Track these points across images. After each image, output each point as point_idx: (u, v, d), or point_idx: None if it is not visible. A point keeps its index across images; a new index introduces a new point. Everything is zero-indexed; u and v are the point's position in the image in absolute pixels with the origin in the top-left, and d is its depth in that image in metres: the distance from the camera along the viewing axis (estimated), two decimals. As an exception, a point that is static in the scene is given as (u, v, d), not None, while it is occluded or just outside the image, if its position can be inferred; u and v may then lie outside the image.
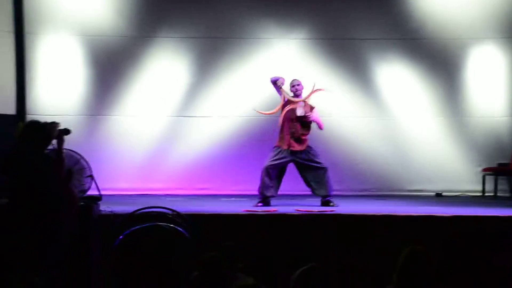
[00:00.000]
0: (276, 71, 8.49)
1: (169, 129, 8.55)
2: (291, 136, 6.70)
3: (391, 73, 8.65)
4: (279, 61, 8.60)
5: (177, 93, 8.57)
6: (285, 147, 6.69)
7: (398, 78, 8.65)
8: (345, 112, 8.57)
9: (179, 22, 8.53)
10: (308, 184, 6.75)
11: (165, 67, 8.54)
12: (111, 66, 8.46)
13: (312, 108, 6.81)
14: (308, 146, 6.74)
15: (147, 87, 8.52)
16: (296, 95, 6.82)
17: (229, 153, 8.51)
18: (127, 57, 8.46)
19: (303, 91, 6.84)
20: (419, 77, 8.65)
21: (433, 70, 8.63)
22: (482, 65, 8.63)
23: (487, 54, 8.62)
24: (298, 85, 6.83)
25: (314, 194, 6.73)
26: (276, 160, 6.66)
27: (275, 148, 6.77)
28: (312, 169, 6.66)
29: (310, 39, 8.60)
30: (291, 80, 6.89)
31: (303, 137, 6.74)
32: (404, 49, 8.60)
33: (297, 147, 6.67)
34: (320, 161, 6.69)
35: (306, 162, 6.68)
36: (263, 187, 6.64)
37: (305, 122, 6.74)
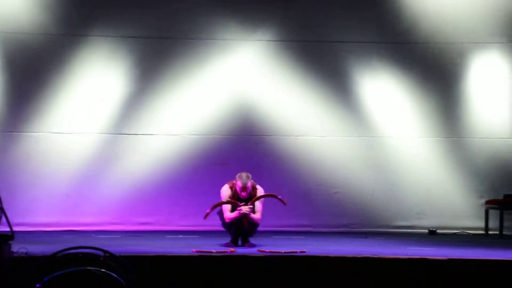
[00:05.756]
0: (236, 78, 8.61)
1: (102, 150, 8.48)
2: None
3: (376, 83, 8.74)
4: (241, 67, 8.63)
5: (113, 105, 8.52)
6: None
7: (384, 90, 8.75)
8: (321, 130, 8.63)
9: (117, 18, 8.51)
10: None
11: (99, 73, 8.49)
12: (30, 70, 8.39)
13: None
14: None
15: (75, 97, 8.45)
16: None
17: (179, 179, 8.48)
18: (51, 59, 8.40)
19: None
20: (410, 89, 8.76)
21: (427, 81, 8.76)
22: (485, 75, 8.79)
23: (491, 61, 8.79)
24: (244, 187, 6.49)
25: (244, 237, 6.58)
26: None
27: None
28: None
29: (277, 41, 8.65)
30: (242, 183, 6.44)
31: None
32: (392, 55, 8.72)
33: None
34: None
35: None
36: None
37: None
